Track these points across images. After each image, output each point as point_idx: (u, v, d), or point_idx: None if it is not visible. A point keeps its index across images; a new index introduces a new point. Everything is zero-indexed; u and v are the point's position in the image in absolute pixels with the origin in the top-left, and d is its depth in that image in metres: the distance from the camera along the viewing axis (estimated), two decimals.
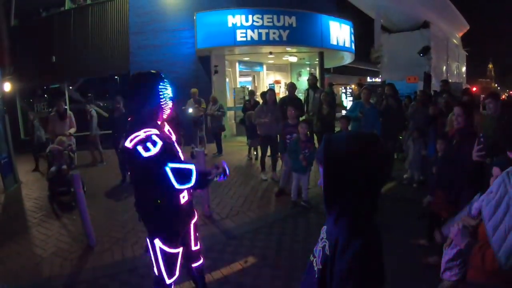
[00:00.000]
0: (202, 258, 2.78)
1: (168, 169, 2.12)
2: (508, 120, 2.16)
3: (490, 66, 66.33)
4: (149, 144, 2.08)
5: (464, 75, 26.41)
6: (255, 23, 11.03)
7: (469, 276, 2.01)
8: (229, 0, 11.60)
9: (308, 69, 15.92)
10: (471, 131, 3.35)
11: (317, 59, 13.49)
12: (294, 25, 11.25)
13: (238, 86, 14.15)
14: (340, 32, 12.71)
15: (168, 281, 2.37)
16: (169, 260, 2.37)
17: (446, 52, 21.29)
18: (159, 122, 2.31)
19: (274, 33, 11.09)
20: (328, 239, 1.22)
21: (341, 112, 12.76)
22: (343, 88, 20.93)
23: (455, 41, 24.68)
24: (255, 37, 11.04)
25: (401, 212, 4.94)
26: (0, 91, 8.41)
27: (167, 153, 2.15)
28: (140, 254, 4.05)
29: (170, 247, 2.35)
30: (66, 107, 8.61)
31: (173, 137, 2.43)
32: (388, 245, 1.14)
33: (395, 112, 6.95)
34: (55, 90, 13.55)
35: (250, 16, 11.02)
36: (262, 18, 11.04)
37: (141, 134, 2.11)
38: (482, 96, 10.43)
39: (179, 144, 2.48)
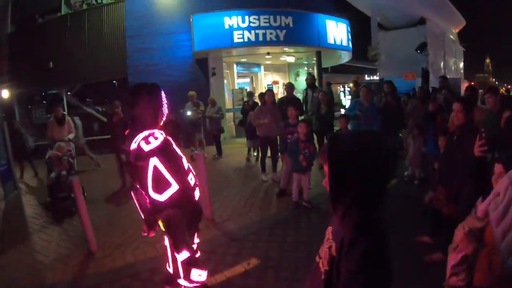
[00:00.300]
0: (199, 252, 2.77)
1: (151, 162, 2.17)
2: None
3: (488, 61, 66.52)
4: (151, 138, 2.19)
5: (461, 71, 26.42)
6: (251, 24, 11.01)
7: (476, 281, 1.96)
8: (226, 2, 11.57)
9: (306, 69, 15.91)
10: (472, 126, 3.32)
11: (315, 59, 13.46)
12: (291, 25, 11.23)
13: (236, 87, 14.14)
14: (337, 31, 12.69)
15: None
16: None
17: (443, 48, 21.29)
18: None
19: (271, 33, 11.07)
20: (334, 239, 1.21)
21: (339, 111, 12.76)
22: (341, 87, 20.92)
23: (452, 37, 24.69)
24: (252, 38, 11.02)
25: (402, 209, 4.90)
26: None
27: (167, 149, 2.25)
28: (142, 259, 4.04)
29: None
30: (64, 112, 8.57)
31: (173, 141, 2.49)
32: (390, 243, 1.12)
33: (394, 110, 6.95)
34: (53, 96, 13.53)
35: (246, 17, 11.00)
36: (258, 19, 11.02)
37: (145, 133, 2.23)
38: (480, 91, 10.42)
39: (178, 147, 2.52)
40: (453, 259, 2.31)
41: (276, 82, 16.67)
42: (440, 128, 5.12)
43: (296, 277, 3.47)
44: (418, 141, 6.39)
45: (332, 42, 12.47)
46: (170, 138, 2.44)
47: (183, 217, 2.31)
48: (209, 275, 3.53)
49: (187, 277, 2.35)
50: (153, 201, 2.26)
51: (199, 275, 2.35)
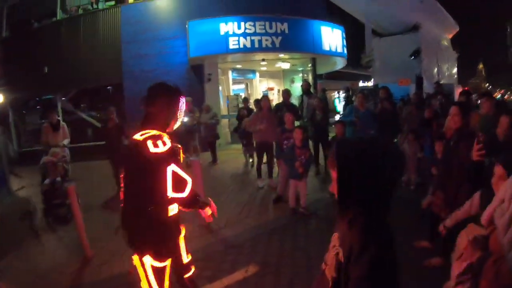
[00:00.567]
0: (193, 268, 2.72)
1: (169, 170, 2.16)
2: None
3: (481, 66, 67.36)
4: (159, 142, 2.15)
5: (455, 76, 26.63)
6: (247, 31, 11.06)
7: None
8: (221, 8, 11.63)
9: (300, 75, 15.98)
10: (468, 130, 3.35)
11: (310, 65, 13.54)
12: (286, 31, 11.30)
13: (232, 94, 14.16)
14: (332, 37, 12.75)
15: None
16: (159, 274, 2.35)
17: (437, 54, 21.49)
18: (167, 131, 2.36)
19: (266, 40, 11.13)
20: (342, 245, 1.20)
21: (334, 117, 12.81)
22: (336, 93, 21.02)
23: (445, 42, 24.96)
24: (248, 44, 11.07)
25: (400, 215, 4.90)
26: None
27: (174, 156, 2.24)
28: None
29: (160, 261, 2.33)
30: (59, 117, 8.50)
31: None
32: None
33: (390, 115, 6.99)
34: (48, 101, 13.46)
35: (242, 24, 11.06)
36: (254, 26, 11.08)
37: (154, 132, 2.20)
38: (474, 95, 10.52)
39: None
40: (457, 267, 2.28)
41: (271, 89, 16.73)
42: (436, 134, 5.16)
43: (295, 283, 3.45)
44: (413, 146, 6.43)
45: (327, 48, 12.53)
46: (178, 146, 2.44)
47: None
48: (207, 283, 3.52)
49: None
50: (171, 199, 2.26)
51: None
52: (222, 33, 11.08)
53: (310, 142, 7.36)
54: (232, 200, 6.28)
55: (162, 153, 2.13)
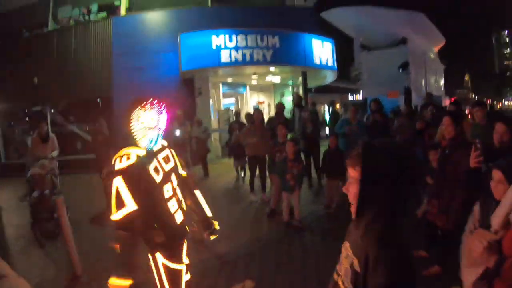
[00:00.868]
0: (189, 274, 2.65)
1: (114, 184, 2.11)
2: None
3: (467, 77, 69.07)
4: (124, 158, 2.14)
5: (442, 88, 27.22)
6: (239, 44, 11.14)
7: None
8: (213, 22, 11.68)
9: (290, 89, 16.09)
10: (462, 139, 3.41)
11: (300, 79, 13.62)
12: (277, 45, 11.41)
13: (222, 108, 14.16)
14: (322, 50, 12.90)
15: None
16: (174, 277, 2.31)
17: (425, 66, 21.98)
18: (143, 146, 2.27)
19: (258, 53, 11.21)
20: (356, 254, 1.18)
21: (325, 130, 12.89)
22: (325, 106, 21.26)
23: (432, 55, 25.54)
24: (239, 57, 11.12)
25: None
26: None
27: (134, 173, 2.13)
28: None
29: (173, 261, 2.31)
30: (47, 128, 8.37)
31: (170, 164, 2.43)
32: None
33: (382, 127, 7.05)
34: (37, 112, 13.26)
35: (234, 37, 11.14)
36: (246, 39, 11.17)
37: (125, 150, 2.19)
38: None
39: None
40: (471, 274, 2.26)
41: (261, 103, 16.79)
42: (428, 144, 5.20)
43: None
44: None
45: (318, 62, 12.67)
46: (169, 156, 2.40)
47: (132, 241, 2.20)
48: None
49: None
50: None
51: None
52: (214, 46, 11.12)
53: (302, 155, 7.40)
54: (225, 214, 6.16)
55: (123, 167, 2.11)
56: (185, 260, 2.56)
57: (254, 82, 15.38)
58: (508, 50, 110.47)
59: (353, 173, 1.21)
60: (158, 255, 2.28)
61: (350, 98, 26.08)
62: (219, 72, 12.66)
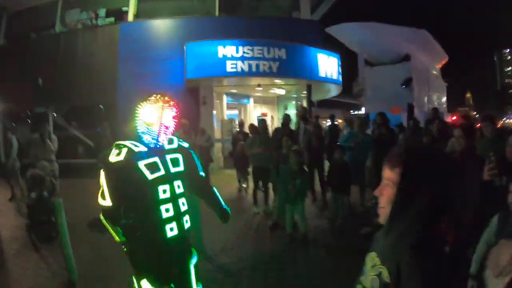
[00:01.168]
0: None
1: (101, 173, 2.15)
2: None
3: (468, 95, 69.51)
4: (116, 152, 2.12)
5: (444, 105, 27.28)
6: (245, 55, 11.15)
7: None
8: (220, 31, 11.74)
9: (294, 102, 16.13)
10: (473, 152, 3.40)
11: (304, 92, 13.63)
12: (283, 57, 11.41)
13: (226, 118, 14.16)
14: (328, 64, 12.93)
15: None
16: None
17: (427, 83, 22.06)
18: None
19: (264, 64, 11.21)
20: (386, 264, 1.11)
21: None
22: (328, 120, 21.30)
23: (435, 72, 25.66)
24: (245, 68, 11.13)
25: None
26: None
27: (116, 168, 2.10)
28: None
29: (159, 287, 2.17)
30: (50, 129, 8.36)
31: (178, 168, 2.31)
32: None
33: (388, 141, 7.03)
34: (39, 114, 13.23)
35: (240, 48, 11.15)
36: (252, 50, 11.18)
37: (123, 143, 2.18)
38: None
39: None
40: (500, 284, 2.27)
41: (264, 115, 16.79)
42: None
43: None
44: None
45: (323, 75, 12.67)
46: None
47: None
48: None
49: None
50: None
51: None
52: (220, 55, 11.12)
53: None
54: (228, 226, 6.08)
55: (108, 163, 2.11)
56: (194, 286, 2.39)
57: (258, 94, 15.39)
58: (510, 68, 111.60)
59: (390, 175, 1.14)
60: (144, 282, 2.15)
61: (353, 113, 26.22)
62: (224, 82, 12.67)
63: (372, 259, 1.20)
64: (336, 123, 11.15)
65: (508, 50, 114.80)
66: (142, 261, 2.22)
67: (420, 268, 1.00)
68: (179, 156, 2.35)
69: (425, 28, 21.34)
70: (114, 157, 2.09)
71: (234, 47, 11.15)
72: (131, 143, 2.16)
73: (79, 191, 8.85)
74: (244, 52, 11.16)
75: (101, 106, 12.51)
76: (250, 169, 7.90)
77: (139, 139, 2.20)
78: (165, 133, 2.23)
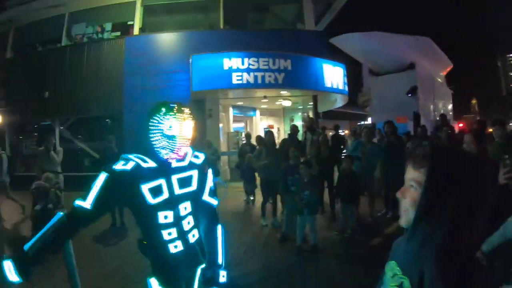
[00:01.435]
0: None
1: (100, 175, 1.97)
2: None
3: (474, 101, 69.16)
4: (124, 161, 1.95)
5: (450, 113, 27.09)
6: (251, 66, 11.16)
7: None
8: (225, 44, 11.76)
9: (300, 114, 16.07)
10: (485, 157, 3.34)
11: (310, 103, 13.59)
12: (289, 68, 11.41)
13: (232, 131, 14.15)
14: (333, 74, 12.89)
15: None
16: None
17: (433, 91, 21.93)
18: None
19: (269, 76, 11.21)
20: (407, 273, 1.04)
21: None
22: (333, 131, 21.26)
23: (440, 79, 25.55)
24: (251, 80, 11.12)
25: None
26: None
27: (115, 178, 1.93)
28: None
29: None
30: (55, 141, 8.39)
31: (189, 187, 2.12)
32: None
33: (396, 150, 6.95)
34: (46, 127, 13.33)
35: (246, 59, 11.18)
36: (258, 61, 11.19)
37: (133, 155, 2.01)
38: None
39: None
40: None
41: (271, 127, 16.79)
42: None
43: None
44: None
45: (329, 85, 12.62)
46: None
47: None
48: None
49: None
50: None
51: None
52: (225, 68, 11.15)
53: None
54: (236, 239, 6.02)
55: (112, 169, 1.93)
56: None
57: (264, 106, 15.38)
58: None
59: (414, 175, 1.08)
60: (153, 280, 2.02)
61: (358, 124, 26.11)
62: (230, 94, 12.67)
63: (392, 268, 1.13)
64: (340, 132, 11.10)
65: None
66: (152, 263, 2.12)
67: (446, 276, 0.93)
68: (193, 173, 2.15)
69: (428, 36, 21.33)
70: (121, 166, 1.93)
71: (239, 59, 11.18)
72: (139, 158, 1.97)
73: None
74: (249, 64, 11.17)
75: (108, 120, 12.62)
76: (258, 182, 7.83)
77: (151, 154, 2.00)
78: (186, 146, 2.05)
